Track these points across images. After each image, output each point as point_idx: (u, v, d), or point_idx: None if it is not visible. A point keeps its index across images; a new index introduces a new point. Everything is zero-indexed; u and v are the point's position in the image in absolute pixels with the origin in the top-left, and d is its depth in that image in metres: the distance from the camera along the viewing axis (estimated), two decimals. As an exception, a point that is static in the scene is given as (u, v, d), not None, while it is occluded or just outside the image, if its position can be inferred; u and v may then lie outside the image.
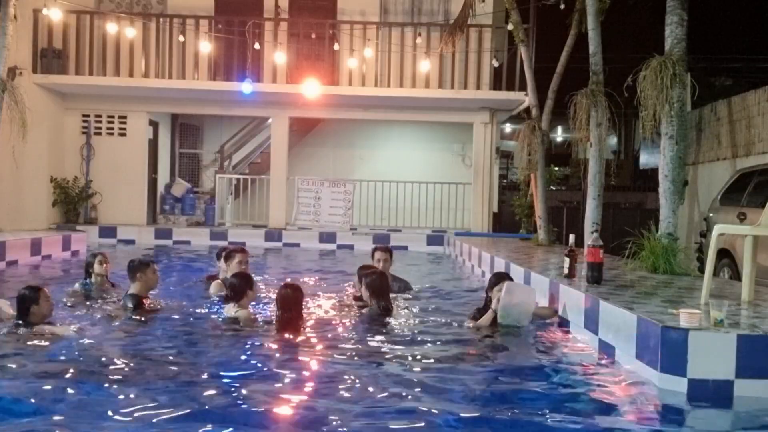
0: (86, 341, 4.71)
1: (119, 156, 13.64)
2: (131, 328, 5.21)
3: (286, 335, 4.96)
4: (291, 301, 5.15)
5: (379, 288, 5.71)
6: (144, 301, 5.67)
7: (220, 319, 5.44)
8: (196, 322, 5.50)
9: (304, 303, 5.49)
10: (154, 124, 14.44)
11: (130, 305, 5.54)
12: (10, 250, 9.07)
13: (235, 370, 4.11)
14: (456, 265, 11.00)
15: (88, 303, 5.97)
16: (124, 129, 13.79)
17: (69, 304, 5.88)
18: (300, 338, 4.99)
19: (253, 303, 5.62)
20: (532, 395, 3.76)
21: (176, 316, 5.65)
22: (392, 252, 7.16)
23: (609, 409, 3.58)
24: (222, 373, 4.02)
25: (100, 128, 13.75)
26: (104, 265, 6.34)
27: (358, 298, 6.12)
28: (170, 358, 4.41)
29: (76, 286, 6.37)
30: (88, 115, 13.67)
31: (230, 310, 5.32)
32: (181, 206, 14.89)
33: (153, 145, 14.36)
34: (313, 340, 5.00)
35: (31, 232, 10.92)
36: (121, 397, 3.53)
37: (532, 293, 5.43)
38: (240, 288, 5.32)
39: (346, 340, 5.03)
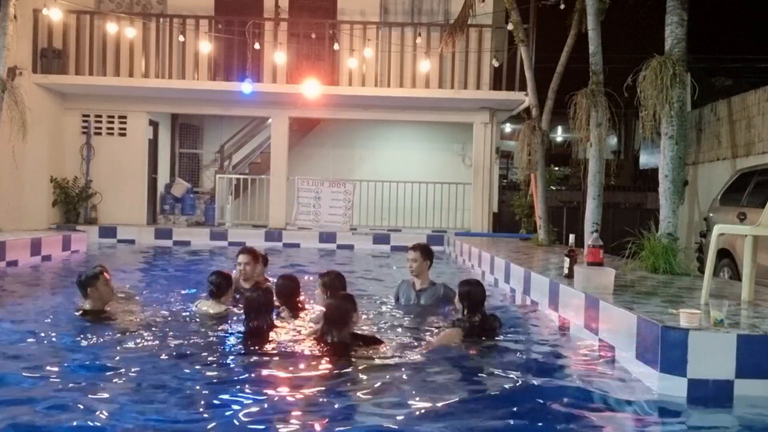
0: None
1: (119, 156, 13.64)
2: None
3: (252, 345, 4.52)
4: (258, 305, 4.77)
5: (339, 288, 5.31)
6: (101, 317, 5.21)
7: (197, 315, 5.49)
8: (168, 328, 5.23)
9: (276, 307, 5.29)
10: (154, 124, 14.45)
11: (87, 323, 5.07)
12: (10, 250, 9.06)
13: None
14: (456, 264, 11.00)
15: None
16: (124, 129, 13.79)
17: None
18: (266, 349, 4.48)
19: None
20: (531, 395, 3.76)
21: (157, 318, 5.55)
22: (431, 253, 6.18)
23: (609, 409, 3.58)
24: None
25: (100, 128, 13.75)
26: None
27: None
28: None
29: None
30: (88, 115, 13.67)
31: (212, 306, 5.48)
32: (181, 206, 14.90)
33: (153, 145, 14.36)
34: (282, 350, 4.50)
35: (31, 232, 10.91)
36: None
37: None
38: (223, 286, 5.51)
39: (318, 351, 4.45)
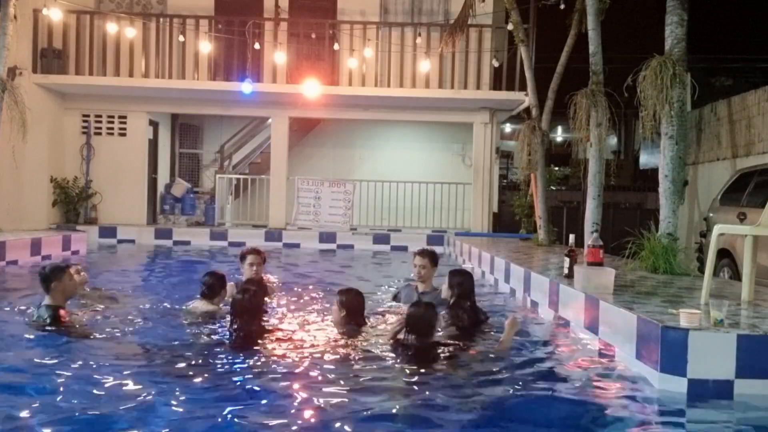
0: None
1: (119, 156, 13.64)
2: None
3: (236, 350, 4.40)
4: (245, 308, 4.62)
5: (357, 308, 5.09)
6: (62, 313, 4.88)
7: (186, 308, 5.55)
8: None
9: (268, 311, 5.28)
10: (154, 124, 14.44)
11: (46, 318, 4.79)
12: (10, 250, 9.06)
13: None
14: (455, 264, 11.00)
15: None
16: (124, 129, 13.79)
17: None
18: (252, 355, 4.32)
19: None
20: (531, 395, 3.76)
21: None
22: (437, 259, 6.18)
23: (609, 409, 3.58)
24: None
25: (100, 128, 13.75)
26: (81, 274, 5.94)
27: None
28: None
29: None
30: (88, 115, 13.67)
31: (204, 306, 5.51)
32: (181, 206, 14.89)
33: (153, 145, 14.35)
34: (271, 358, 4.34)
35: (31, 232, 10.90)
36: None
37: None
38: (216, 287, 5.55)
39: (308, 361, 4.28)
